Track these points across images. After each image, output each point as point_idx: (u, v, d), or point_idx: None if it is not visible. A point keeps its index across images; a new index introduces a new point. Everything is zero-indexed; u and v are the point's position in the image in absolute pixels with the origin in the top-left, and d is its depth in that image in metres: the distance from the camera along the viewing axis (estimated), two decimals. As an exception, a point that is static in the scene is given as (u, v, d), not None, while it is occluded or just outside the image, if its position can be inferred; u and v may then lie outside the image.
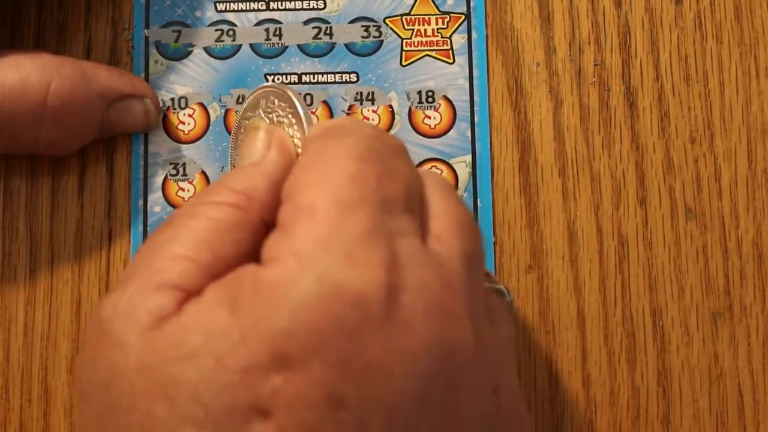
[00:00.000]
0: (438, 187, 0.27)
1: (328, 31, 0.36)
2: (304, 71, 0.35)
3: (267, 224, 0.26)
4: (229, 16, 0.36)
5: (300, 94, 0.32)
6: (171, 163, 0.35)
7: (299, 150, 0.28)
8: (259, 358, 0.22)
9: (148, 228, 0.34)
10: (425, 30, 0.36)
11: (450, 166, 0.35)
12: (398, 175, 0.26)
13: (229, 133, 0.35)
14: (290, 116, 0.29)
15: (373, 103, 0.35)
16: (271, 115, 0.30)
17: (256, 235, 0.26)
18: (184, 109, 0.35)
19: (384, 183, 0.25)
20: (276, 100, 0.29)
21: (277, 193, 0.26)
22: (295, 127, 0.29)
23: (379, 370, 0.22)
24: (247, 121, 0.31)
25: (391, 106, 0.35)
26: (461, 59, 0.35)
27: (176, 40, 0.36)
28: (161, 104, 0.35)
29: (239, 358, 0.22)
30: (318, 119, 0.34)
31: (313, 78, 0.35)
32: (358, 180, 0.24)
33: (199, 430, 0.22)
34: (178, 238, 0.25)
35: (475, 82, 0.35)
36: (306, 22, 0.36)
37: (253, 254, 0.25)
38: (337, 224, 0.24)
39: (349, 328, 0.22)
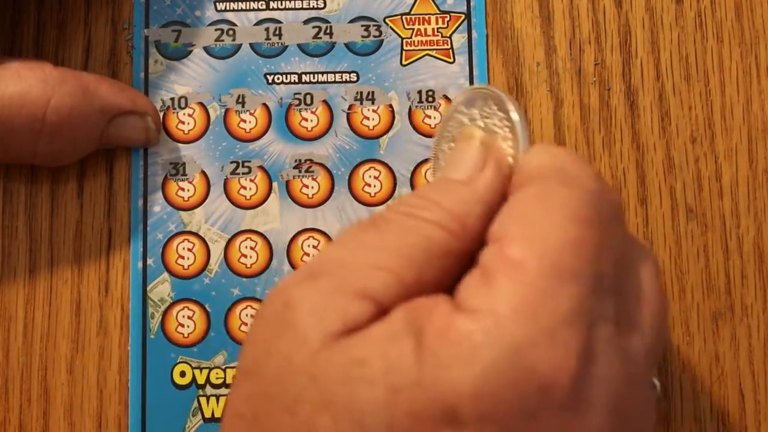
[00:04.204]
0: (649, 267, 0.26)
1: (328, 31, 0.36)
2: (304, 71, 0.35)
3: (472, 254, 0.25)
4: (229, 16, 0.36)
5: (521, 107, 0.29)
6: (171, 163, 0.35)
7: (511, 170, 0.27)
8: (433, 407, 0.22)
9: (148, 228, 0.34)
10: (425, 29, 0.36)
11: (450, 165, 0.35)
12: (615, 248, 0.24)
13: (230, 134, 0.35)
14: (506, 129, 0.27)
15: (373, 103, 0.35)
16: (486, 121, 0.28)
17: (461, 266, 0.25)
18: (183, 108, 0.35)
19: (601, 256, 0.23)
20: (495, 107, 0.28)
21: (488, 220, 0.25)
22: (510, 143, 0.27)
23: None
24: (459, 116, 0.29)
25: (391, 106, 0.35)
26: (461, 59, 0.35)
27: (176, 40, 0.36)
28: (161, 104, 0.35)
29: (414, 400, 0.22)
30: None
31: (313, 77, 0.35)
32: (577, 248, 0.23)
33: None
34: (388, 247, 0.24)
35: (475, 82, 0.35)
36: (306, 22, 0.36)
37: (451, 283, 0.24)
38: (545, 293, 0.22)
39: (529, 409, 0.22)
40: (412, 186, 0.35)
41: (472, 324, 0.22)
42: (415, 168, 0.35)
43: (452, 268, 0.25)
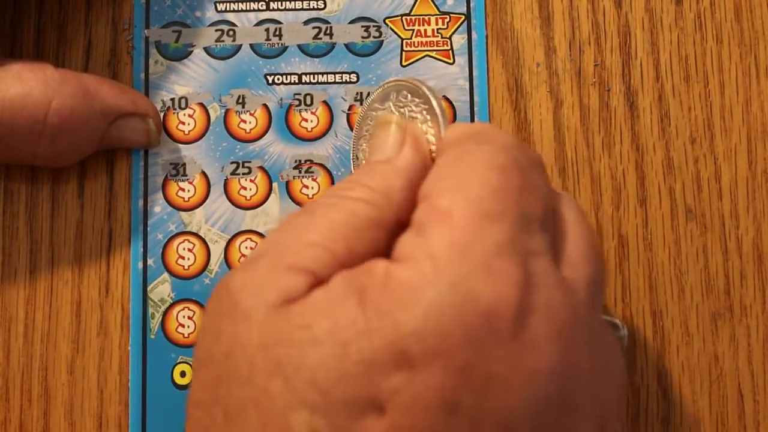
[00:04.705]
0: (572, 208, 0.27)
1: (328, 31, 0.36)
2: (304, 71, 0.35)
3: (401, 225, 0.26)
4: (229, 16, 0.36)
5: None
6: (171, 164, 0.35)
7: (433, 148, 0.28)
8: (382, 353, 0.22)
9: (148, 228, 0.34)
10: (425, 30, 0.36)
11: (450, 166, 0.35)
12: (537, 191, 0.25)
13: (230, 135, 0.35)
14: (424, 112, 0.28)
15: (373, 104, 0.35)
16: (402, 110, 0.29)
17: (390, 235, 0.26)
18: (184, 109, 0.35)
19: (524, 197, 0.25)
20: (409, 95, 0.29)
21: (412, 193, 0.26)
22: (430, 124, 0.28)
23: (500, 383, 0.23)
24: (374, 113, 0.30)
25: (391, 107, 0.35)
26: (461, 59, 0.35)
27: (176, 41, 0.36)
28: (161, 105, 0.35)
29: (363, 350, 0.23)
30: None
31: (313, 78, 0.35)
32: (500, 192, 0.24)
33: (312, 414, 0.23)
34: (316, 225, 0.25)
35: (475, 83, 0.35)
36: (306, 22, 0.36)
37: (383, 254, 0.25)
38: (475, 233, 0.23)
39: (476, 339, 0.22)
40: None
41: (408, 270, 0.23)
42: (415, 168, 0.35)
43: (384, 240, 0.26)
